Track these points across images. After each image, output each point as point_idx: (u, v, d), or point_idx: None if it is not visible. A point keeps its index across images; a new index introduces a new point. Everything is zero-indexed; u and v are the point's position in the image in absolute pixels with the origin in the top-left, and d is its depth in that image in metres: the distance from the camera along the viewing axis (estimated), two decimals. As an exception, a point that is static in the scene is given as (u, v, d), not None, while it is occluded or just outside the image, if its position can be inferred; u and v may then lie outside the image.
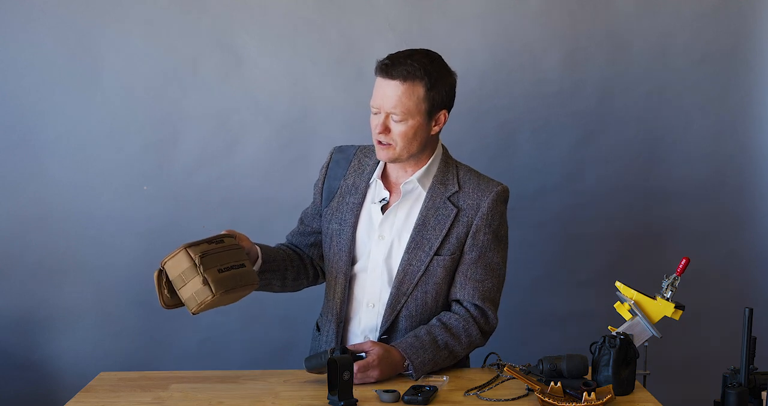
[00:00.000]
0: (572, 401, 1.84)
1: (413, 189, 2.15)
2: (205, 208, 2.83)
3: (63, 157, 2.79)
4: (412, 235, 2.13)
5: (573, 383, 1.92)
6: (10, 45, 2.74)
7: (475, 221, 2.13)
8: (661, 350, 2.78)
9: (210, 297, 1.89)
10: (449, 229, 2.13)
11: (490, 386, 2.02)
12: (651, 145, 2.88)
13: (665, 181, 2.90)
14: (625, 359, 1.95)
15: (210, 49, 2.78)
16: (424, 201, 2.14)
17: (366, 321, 2.18)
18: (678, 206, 2.91)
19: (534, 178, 2.87)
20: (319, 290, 2.37)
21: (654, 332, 2.02)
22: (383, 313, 2.15)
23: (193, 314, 1.92)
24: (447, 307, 2.20)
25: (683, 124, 2.88)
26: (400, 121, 2.06)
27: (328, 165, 2.27)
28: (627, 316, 2.04)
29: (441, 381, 2.05)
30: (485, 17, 2.80)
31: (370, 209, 2.18)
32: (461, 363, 2.22)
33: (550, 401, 1.83)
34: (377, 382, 2.01)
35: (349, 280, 2.18)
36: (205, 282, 1.88)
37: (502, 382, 2.04)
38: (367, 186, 2.20)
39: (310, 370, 2.02)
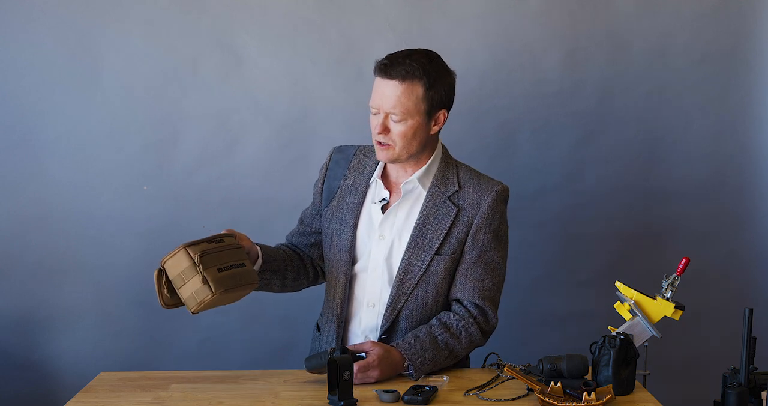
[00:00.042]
0: (572, 401, 1.84)
1: (413, 189, 2.15)
2: (205, 208, 2.83)
3: (63, 157, 2.79)
4: (412, 234, 2.13)
5: (573, 383, 1.92)
6: (10, 45, 2.74)
7: (475, 221, 2.13)
8: (661, 350, 2.78)
9: (210, 296, 1.89)
10: (449, 228, 2.13)
11: (490, 386, 2.02)
12: (651, 145, 2.88)
13: (665, 181, 2.90)
14: (625, 359, 1.95)
15: (210, 49, 2.78)
16: (425, 201, 2.14)
17: (366, 321, 2.18)
18: (678, 206, 2.91)
19: (534, 178, 2.87)
20: (319, 290, 2.37)
21: (654, 332, 2.01)
22: (384, 313, 2.15)
23: (193, 313, 1.91)
24: (447, 306, 2.20)
25: (683, 124, 2.88)
26: (400, 121, 2.06)
27: (328, 165, 2.27)
28: (627, 316, 2.04)
29: (441, 381, 2.05)
30: (485, 17, 2.80)
31: (371, 208, 2.18)
32: (461, 363, 2.22)
33: (550, 401, 1.83)
34: (377, 382, 2.01)
35: (350, 280, 2.18)
36: (205, 281, 1.88)
37: (502, 382, 2.04)
38: (367, 186, 2.20)
39: (310, 370, 2.02)
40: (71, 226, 2.82)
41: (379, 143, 2.10)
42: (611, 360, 1.94)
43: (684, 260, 2.04)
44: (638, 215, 2.91)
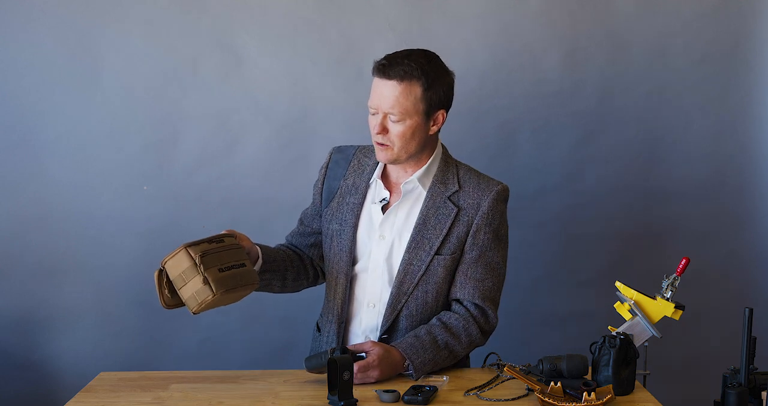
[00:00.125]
0: (572, 401, 1.84)
1: (413, 189, 2.15)
2: (205, 208, 2.83)
3: (63, 157, 2.79)
4: (412, 234, 2.13)
5: (573, 383, 1.92)
6: (10, 45, 2.74)
7: (475, 221, 2.13)
8: (661, 350, 2.78)
9: (210, 296, 1.89)
10: (450, 228, 2.13)
11: (490, 386, 2.02)
12: (651, 145, 2.88)
13: (665, 181, 2.90)
14: (625, 359, 1.95)
15: (210, 49, 2.78)
16: (425, 201, 2.14)
17: (367, 321, 2.18)
18: (678, 206, 2.91)
19: (534, 178, 2.87)
20: (319, 290, 2.37)
21: (654, 332, 2.01)
22: (384, 313, 2.15)
23: (194, 313, 1.91)
24: (447, 306, 2.20)
25: (683, 124, 2.88)
26: (398, 121, 2.06)
27: (328, 165, 2.27)
28: (627, 316, 2.04)
29: (441, 381, 2.04)
30: (485, 17, 2.80)
31: (371, 209, 2.18)
32: (461, 363, 2.22)
33: (550, 401, 1.83)
34: (377, 382, 2.01)
35: (350, 280, 2.18)
36: (206, 281, 1.88)
37: (502, 382, 2.04)
38: (367, 186, 2.20)
39: (310, 370, 2.02)
40: (71, 226, 2.82)
41: (379, 144, 2.10)
42: (611, 360, 1.94)
43: (684, 260, 2.04)
44: (638, 215, 2.91)
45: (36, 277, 2.83)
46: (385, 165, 2.19)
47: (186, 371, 2.15)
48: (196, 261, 1.88)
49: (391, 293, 2.14)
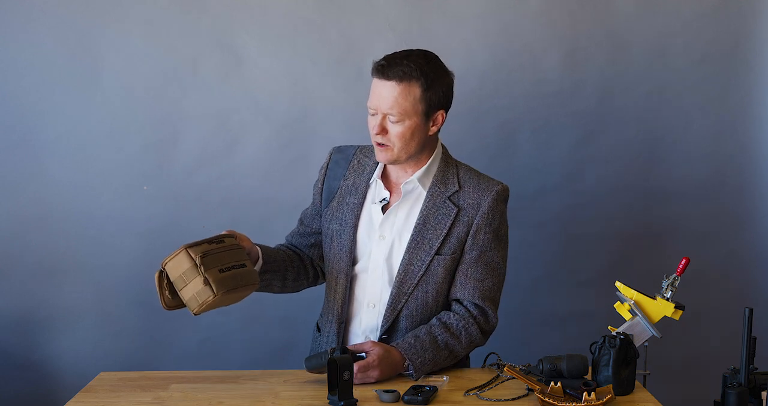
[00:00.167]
0: (572, 401, 1.84)
1: (413, 189, 2.15)
2: (205, 208, 2.83)
3: (63, 157, 2.79)
4: (412, 235, 2.13)
5: (573, 383, 1.92)
6: (10, 45, 2.74)
7: (475, 221, 2.13)
8: (661, 350, 2.78)
9: (211, 297, 1.89)
10: (450, 228, 2.13)
11: (490, 386, 2.02)
12: (651, 145, 2.88)
13: (665, 181, 2.90)
14: (625, 359, 1.95)
15: (210, 49, 2.78)
16: (425, 201, 2.14)
17: (367, 321, 2.18)
18: (678, 206, 2.91)
19: (534, 178, 2.87)
20: (319, 290, 2.37)
21: (654, 332, 2.02)
22: (384, 313, 2.15)
23: (195, 314, 1.91)
24: (447, 306, 2.20)
25: (683, 124, 2.88)
26: (397, 122, 2.06)
27: (328, 165, 2.27)
28: (627, 316, 2.04)
29: (441, 381, 2.05)
30: (485, 17, 2.80)
31: (371, 209, 2.18)
32: (461, 363, 2.22)
33: (550, 401, 1.83)
34: (377, 382, 2.01)
35: (350, 280, 2.18)
36: (206, 282, 1.88)
37: (502, 382, 2.04)
38: (367, 186, 2.20)
39: (310, 370, 2.02)
40: (71, 226, 2.82)
41: (378, 144, 2.10)
42: (611, 360, 1.94)
43: (684, 260, 2.04)
44: (638, 215, 2.91)
45: (36, 277, 2.83)
46: (385, 165, 2.19)
47: (186, 371, 2.15)
48: (197, 262, 1.88)
49: (391, 293, 2.14)
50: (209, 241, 1.94)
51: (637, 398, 1.95)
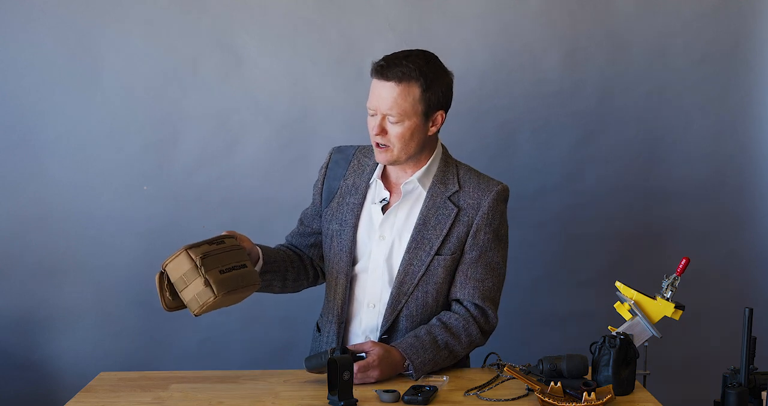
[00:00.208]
0: (572, 401, 1.84)
1: (413, 189, 2.15)
2: (205, 208, 2.83)
3: (63, 157, 2.79)
4: (412, 235, 2.13)
5: (573, 383, 1.92)
6: (10, 45, 2.74)
7: (475, 221, 2.13)
8: (661, 350, 2.78)
9: (212, 298, 1.89)
10: (450, 228, 2.13)
11: (490, 386, 2.02)
12: (651, 145, 2.88)
13: (665, 181, 2.90)
14: (625, 359, 1.95)
15: (210, 49, 2.78)
16: (425, 201, 2.14)
17: (367, 321, 2.18)
18: (678, 206, 2.91)
19: (534, 178, 2.87)
20: (319, 290, 2.37)
21: (654, 332, 2.02)
22: (384, 313, 2.15)
23: (196, 315, 1.91)
24: (447, 306, 2.20)
25: (683, 124, 2.88)
26: (397, 122, 2.06)
27: (328, 165, 2.27)
28: (627, 316, 2.04)
29: (441, 381, 2.05)
30: (485, 17, 2.80)
31: (371, 209, 2.18)
32: (461, 363, 2.22)
33: (550, 401, 1.83)
34: (377, 382, 2.01)
35: (350, 280, 2.18)
36: (207, 283, 1.88)
37: (502, 382, 2.04)
38: (367, 186, 2.20)
39: (311, 370, 2.02)
40: (71, 226, 2.82)
41: (378, 145, 2.10)
42: (611, 360, 1.94)
43: (684, 260, 2.04)
44: (638, 215, 2.91)
45: (36, 277, 2.83)
46: (384, 165, 2.19)
47: (186, 371, 2.15)
48: (197, 263, 1.88)
49: (391, 294, 2.14)
50: (210, 242, 1.94)
51: (637, 398, 1.95)
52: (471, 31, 2.80)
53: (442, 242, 2.13)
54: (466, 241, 2.14)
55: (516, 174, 2.82)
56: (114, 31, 2.75)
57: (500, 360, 2.15)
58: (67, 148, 2.79)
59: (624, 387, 1.95)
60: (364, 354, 2.01)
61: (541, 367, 1.98)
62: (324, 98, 2.81)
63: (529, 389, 1.96)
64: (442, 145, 2.21)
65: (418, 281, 2.13)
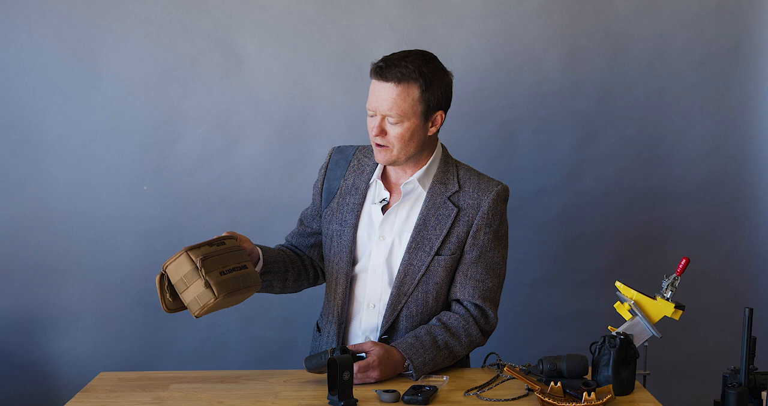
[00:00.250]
0: (572, 401, 1.84)
1: (413, 189, 2.15)
2: (205, 208, 2.83)
3: (63, 157, 2.79)
4: (412, 235, 2.13)
5: (573, 383, 1.92)
6: (10, 45, 2.74)
7: (475, 221, 2.13)
8: (661, 350, 2.78)
9: (213, 300, 1.88)
10: (450, 228, 2.13)
11: (490, 386, 2.02)
12: (651, 145, 2.88)
13: (665, 181, 2.90)
14: (625, 359, 1.95)
15: (210, 49, 2.78)
16: (425, 201, 2.14)
17: (367, 321, 2.18)
18: (678, 206, 2.91)
19: (534, 178, 2.87)
20: (319, 290, 2.37)
21: (654, 332, 2.02)
22: (384, 313, 2.15)
23: (196, 317, 1.91)
24: (447, 307, 2.20)
25: (683, 124, 2.88)
26: (396, 123, 2.06)
27: (327, 165, 2.27)
28: (627, 316, 2.04)
29: (441, 381, 2.05)
30: (485, 17, 2.80)
31: (371, 209, 2.18)
32: (461, 363, 2.22)
33: (550, 401, 1.83)
34: (377, 382, 2.01)
35: (350, 280, 2.18)
36: (207, 285, 1.88)
37: (502, 382, 2.04)
38: (367, 186, 2.20)
39: (311, 370, 2.02)
40: (71, 226, 2.82)
41: (377, 145, 2.10)
42: (611, 360, 1.94)
43: (684, 260, 2.04)
44: (638, 214, 2.91)
45: (36, 277, 2.83)
46: (384, 165, 2.19)
47: (186, 371, 2.15)
48: (197, 265, 1.88)
49: (391, 294, 2.14)
50: (210, 243, 1.94)
51: (637, 398, 1.95)
52: (471, 31, 2.80)
53: (442, 242, 2.13)
54: (466, 241, 2.14)
55: (516, 174, 2.82)
56: (114, 31, 2.75)
57: (500, 360, 2.15)
58: (67, 148, 2.79)
59: (624, 387, 1.95)
60: (364, 354, 2.01)
61: (541, 367, 1.98)
62: (324, 98, 2.81)
63: (529, 389, 1.96)
64: (442, 145, 2.21)
65: (418, 281, 2.13)
